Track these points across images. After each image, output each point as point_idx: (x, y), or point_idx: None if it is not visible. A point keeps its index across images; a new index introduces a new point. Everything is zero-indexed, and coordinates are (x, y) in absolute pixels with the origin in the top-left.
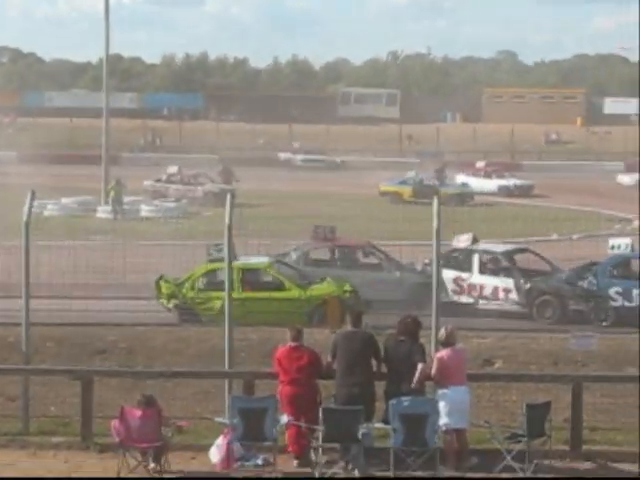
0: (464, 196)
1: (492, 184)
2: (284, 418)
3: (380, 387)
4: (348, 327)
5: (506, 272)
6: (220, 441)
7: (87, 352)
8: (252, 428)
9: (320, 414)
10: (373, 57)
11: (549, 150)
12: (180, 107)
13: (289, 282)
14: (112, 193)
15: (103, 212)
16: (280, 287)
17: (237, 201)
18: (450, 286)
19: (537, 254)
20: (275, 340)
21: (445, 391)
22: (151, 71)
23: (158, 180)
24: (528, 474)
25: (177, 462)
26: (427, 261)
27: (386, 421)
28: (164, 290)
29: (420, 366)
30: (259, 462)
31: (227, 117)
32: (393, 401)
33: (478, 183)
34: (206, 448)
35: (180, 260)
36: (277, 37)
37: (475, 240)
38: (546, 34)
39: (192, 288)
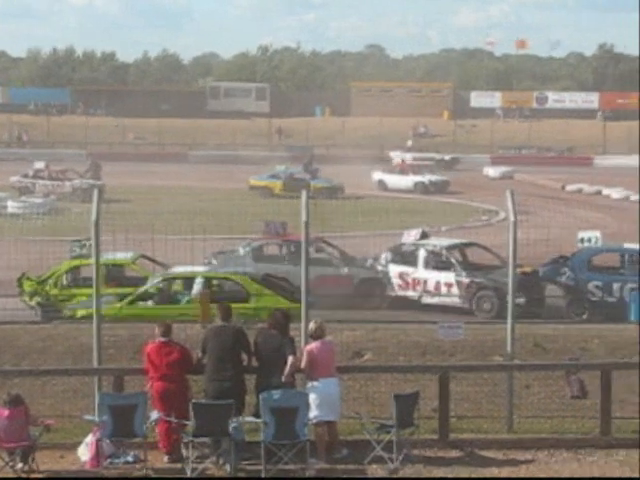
0: (334, 189)
1: (408, 180)
2: (154, 414)
3: (251, 381)
4: (218, 322)
5: (449, 266)
6: (89, 439)
7: None
8: (122, 425)
9: (190, 409)
10: (242, 51)
11: (418, 143)
12: (47, 102)
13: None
14: None
15: None
16: (142, 283)
17: (110, 196)
18: (395, 281)
19: (485, 247)
20: (144, 336)
21: (315, 384)
22: (17, 65)
23: (25, 176)
24: (397, 464)
25: (45, 461)
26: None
27: (257, 415)
28: (26, 288)
29: (290, 359)
30: (129, 459)
31: (95, 112)
32: (264, 394)
33: (393, 180)
34: (75, 446)
35: (46, 257)
36: (146, 31)
37: (424, 235)
38: (413, 28)
39: (55, 285)
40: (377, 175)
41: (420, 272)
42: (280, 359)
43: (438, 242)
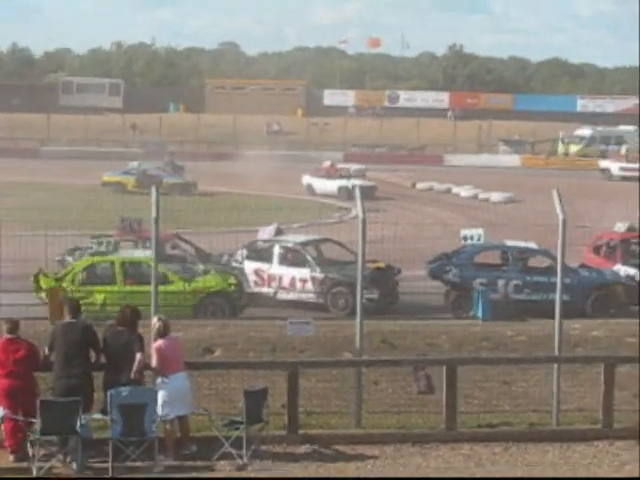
0: (187, 186)
1: (333, 185)
2: (0, 411)
3: (99, 378)
4: (66, 318)
5: (303, 262)
6: None
7: None
8: None
9: (38, 407)
10: (96, 47)
11: (271, 140)
12: None
13: (173, 275)
14: None
15: None
16: (164, 280)
17: None
18: (251, 277)
19: (339, 244)
20: None
21: (165, 380)
22: None
23: None
24: (245, 460)
25: None
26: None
27: (105, 412)
28: (43, 284)
29: (138, 356)
30: None
31: None
32: (111, 391)
33: (320, 184)
34: None
35: None
36: None
37: (279, 232)
38: (269, 26)
39: (72, 282)
40: (306, 179)
41: (275, 268)
42: (129, 356)
43: (293, 238)
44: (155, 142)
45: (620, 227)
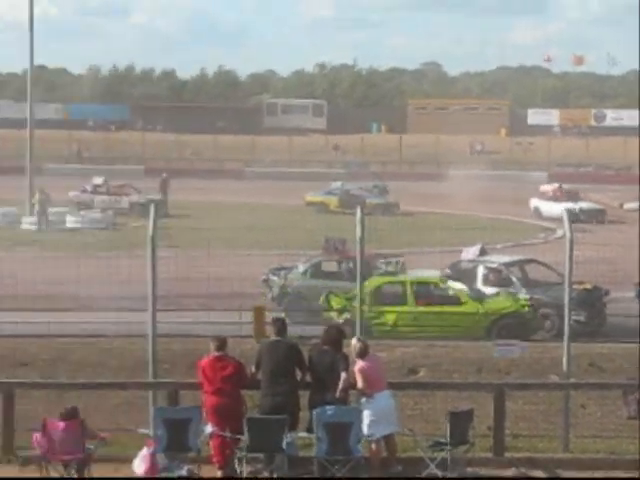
0: (390, 206)
1: (559, 208)
2: (208, 428)
3: (304, 396)
4: (272, 336)
5: (508, 283)
6: (144, 452)
7: (9, 364)
8: (176, 439)
9: (244, 424)
10: (299, 68)
11: (474, 160)
12: (106, 118)
13: (465, 296)
14: (36, 204)
15: (28, 223)
16: (456, 301)
17: (171, 212)
18: None
19: (545, 264)
20: (199, 351)
21: (370, 399)
22: (77, 82)
23: (84, 191)
24: None
25: (100, 474)
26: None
27: (310, 430)
28: (334, 304)
29: (343, 375)
30: (183, 473)
31: (153, 128)
32: (317, 410)
33: (547, 207)
34: (130, 460)
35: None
36: (203, 49)
37: (484, 252)
38: (470, 46)
39: (363, 302)
40: (533, 202)
41: (480, 289)
42: (334, 375)
43: (497, 259)
44: (358, 162)
45: None
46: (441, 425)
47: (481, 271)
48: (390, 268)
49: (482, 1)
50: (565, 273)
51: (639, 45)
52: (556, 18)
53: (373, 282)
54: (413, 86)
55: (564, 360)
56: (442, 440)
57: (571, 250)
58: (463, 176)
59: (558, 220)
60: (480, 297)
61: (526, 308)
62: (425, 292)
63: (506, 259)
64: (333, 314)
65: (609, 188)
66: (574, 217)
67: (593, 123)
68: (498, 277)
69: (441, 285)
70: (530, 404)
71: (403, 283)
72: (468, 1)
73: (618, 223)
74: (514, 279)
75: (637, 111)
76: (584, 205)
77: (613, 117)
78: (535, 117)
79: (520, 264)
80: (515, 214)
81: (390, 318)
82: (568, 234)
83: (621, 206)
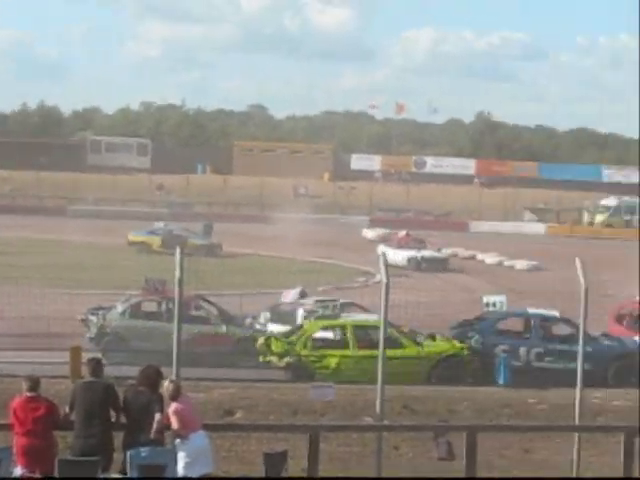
0: (213, 247)
1: (403, 255)
2: (18, 470)
3: (119, 437)
4: (87, 377)
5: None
6: None
7: None
8: None
9: (56, 466)
10: (125, 106)
11: (298, 203)
12: None
13: (405, 339)
14: None
15: None
16: (397, 344)
17: None
18: None
19: (362, 307)
20: (12, 390)
21: (185, 440)
22: None
23: None
24: None
25: None
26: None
27: (124, 472)
28: (275, 348)
29: (157, 416)
30: None
31: None
32: (131, 452)
33: (392, 254)
34: None
35: None
36: (26, 83)
37: (303, 294)
38: (298, 89)
39: (305, 346)
40: (381, 248)
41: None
42: (149, 416)
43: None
44: (181, 202)
45: None
46: (256, 466)
47: (300, 313)
48: (328, 311)
49: (311, 46)
50: (381, 316)
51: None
52: (382, 65)
53: (313, 325)
54: (239, 128)
55: (377, 402)
56: None
57: (387, 294)
58: (287, 219)
59: (402, 268)
60: (419, 341)
61: (465, 351)
62: (366, 335)
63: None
64: (273, 358)
65: (427, 233)
66: (416, 265)
67: (413, 169)
68: None
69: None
70: (344, 446)
71: (344, 326)
72: (297, 45)
73: (458, 272)
74: None
75: (456, 159)
76: (426, 253)
77: (433, 164)
78: (358, 162)
79: (340, 307)
80: (337, 257)
81: (332, 362)
82: (384, 279)
83: (438, 251)
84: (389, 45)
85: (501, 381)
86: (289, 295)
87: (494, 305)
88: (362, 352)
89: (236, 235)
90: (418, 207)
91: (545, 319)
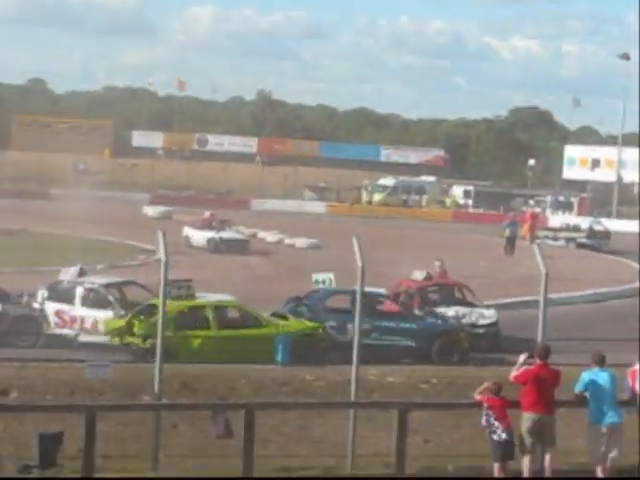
0: None
1: (205, 236)
2: None
3: None
4: None
5: (107, 305)
6: None
7: None
8: None
9: None
10: None
11: (77, 180)
12: None
13: (264, 319)
14: None
15: None
16: (256, 324)
17: None
18: (53, 318)
19: (143, 286)
20: None
21: None
22: None
23: None
24: None
25: None
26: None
27: None
28: (137, 330)
29: None
30: None
31: None
32: None
33: (196, 235)
34: None
35: None
36: None
37: (82, 273)
38: (77, 64)
39: (168, 327)
40: (185, 230)
41: (78, 310)
42: None
43: (96, 280)
44: None
45: (418, 275)
46: (31, 448)
47: (79, 292)
48: (182, 292)
49: (92, 21)
50: (160, 295)
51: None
52: (164, 42)
53: (174, 306)
54: (18, 102)
55: (156, 381)
56: (31, 463)
57: (166, 272)
58: (66, 195)
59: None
60: (273, 320)
61: (321, 330)
62: (225, 315)
63: (105, 280)
64: (136, 340)
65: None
66: (215, 246)
67: (195, 147)
68: (97, 298)
69: (241, 308)
70: (122, 425)
71: (203, 307)
72: (78, 19)
73: (260, 254)
74: (112, 300)
75: (237, 137)
76: (225, 234)
77: (215, 142)
78: (140, 139)
79: (119, 285)
80: (117, 235)
81: (195, 343)
82: (164, 257)
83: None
84: (171, 22)
85: (279, 359)
86: (68, 273)
87: (323, 282)
88: (224, 332)
89: (14, 212)
90: (200, 185)
91: (372, 296)
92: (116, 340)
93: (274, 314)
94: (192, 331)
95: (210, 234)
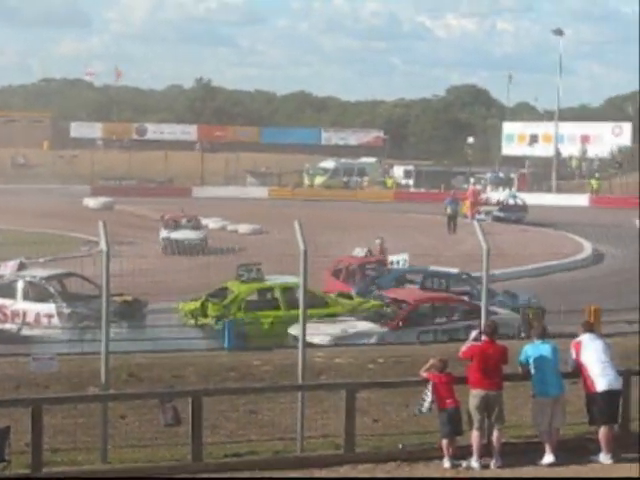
0: None
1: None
2: None
3: None
4: None
5: (48, 297)
6: None
7: None
8: None
9: None
10: None
11: (16, 174)
12: None
13: (329, 298)
14: None
15: None
16: (323, 303)
17: None
18: None
19: (84, 278)
20: None
21: None
22: None
23: None
24: None
25: None
26: None
27: None
28: (212, 312)
29: None
30: None
31: None
32: None
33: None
34: None
35: None
36: None
37: (23, 266)
38: (12, 57)
39: (239, 309)
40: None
41: (19, 304)
42: None
43: (37, 273)
44: None
45: (359, 252)
46: None
47: (20, 286)
48: (252, 275)
49: (27, 12)
50: (102, 285)
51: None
52: (99, 32)
53: (245, 288)
54: None
55: (102, 372)
56: None
57: (107, 262)
58: (6, 190)
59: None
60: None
61: (384, 308)
62: (293, 296)
63: (45, 273)
64: (209, 321)
65: (151, 201)
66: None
67: (135, 136)
68: (38, 291)
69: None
70: (69, 417)
71: (272, 289)
72: (12, 11)
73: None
74: (54, 292)
75: (177, 125)
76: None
77: (154, 131)
78: (78, 130)
79: (59, 277)
80: (59, 227)
81: (266, 323)
82: (105, 247)
83: (162, 218)
84: (105, 11)
85: (226, 345)
86: (8, 267)
87: (397, 263)
88: (293, 312)
89: None
90: (141, 175)
91: (444, 275)
92: (191, 322)
93: (340, 294)
94: (262, 312)
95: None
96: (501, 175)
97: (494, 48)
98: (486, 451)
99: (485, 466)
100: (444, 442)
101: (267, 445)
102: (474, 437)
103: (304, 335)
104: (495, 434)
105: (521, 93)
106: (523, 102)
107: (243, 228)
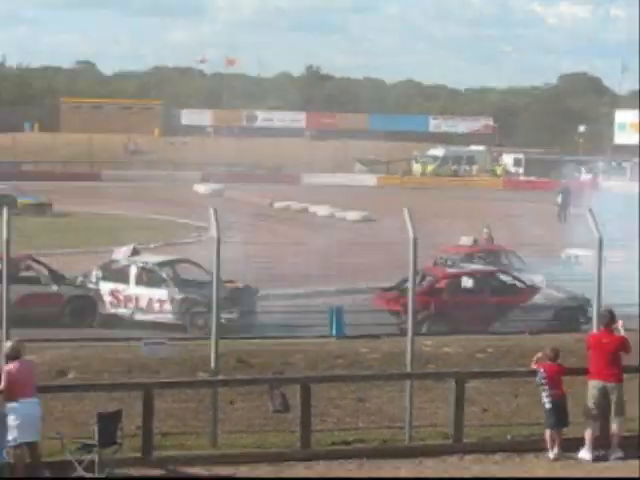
0: (42, 206)
1: None
2: None
3: None
4: None
5: (160, 283)
6: None
7: None
8: None
9: None
10: None
11: (128, 160)
12: None
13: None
14: None
15: None
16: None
17: None
18: (107, 298)
19: (196, 264)
20: None
21: (14, 405)
22: None
23: None
24: None
25: None
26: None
27: None
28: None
29: None
30: None
31: None
32: None
33: None
34: None
35: None
36: None
37: (136, 252)
38: (125, 45)
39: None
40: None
41: (132, 289)
42: None
43: (149, 259)
44: (7, 162)
45: (465, 241)
46: (90, 427)
47: (133, 271)
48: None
49: (139, 2)
50: (214, 272)
51: None
52: (211, 20)
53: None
54: (67, 85)
55: (212, 357)
56: (90, 442)
57: (218, 249)
58: (118, 176)
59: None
60: None
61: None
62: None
63: (158, 259)
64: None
65: (260, 187)
66: None
67: (245, 124)
68: (151, 277)
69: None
70: (179, 402)
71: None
72: (125, 1)
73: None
74: (166, 278)
75: (286, 113)
76: None
77: (263, 118)
78: (189, 117)
79: (172, 263)
80: (169, 213)
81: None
82: (215, 234)
83: (271, 205)
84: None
85: (334, 332)
86: (121, 252)
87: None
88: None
89: (67, 193)
90: (250, 161)
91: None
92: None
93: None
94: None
95: None
96: (613, 164)
97: (607, 35)
98: (599, 444)
99: (599, 458)
100: (547, 433)
101: (375, 433)
102: (588, 430)
103: (413, 323)
104: (614, 426)
105: (634, 81)
106: (636, 90)
107: (351, 215)
